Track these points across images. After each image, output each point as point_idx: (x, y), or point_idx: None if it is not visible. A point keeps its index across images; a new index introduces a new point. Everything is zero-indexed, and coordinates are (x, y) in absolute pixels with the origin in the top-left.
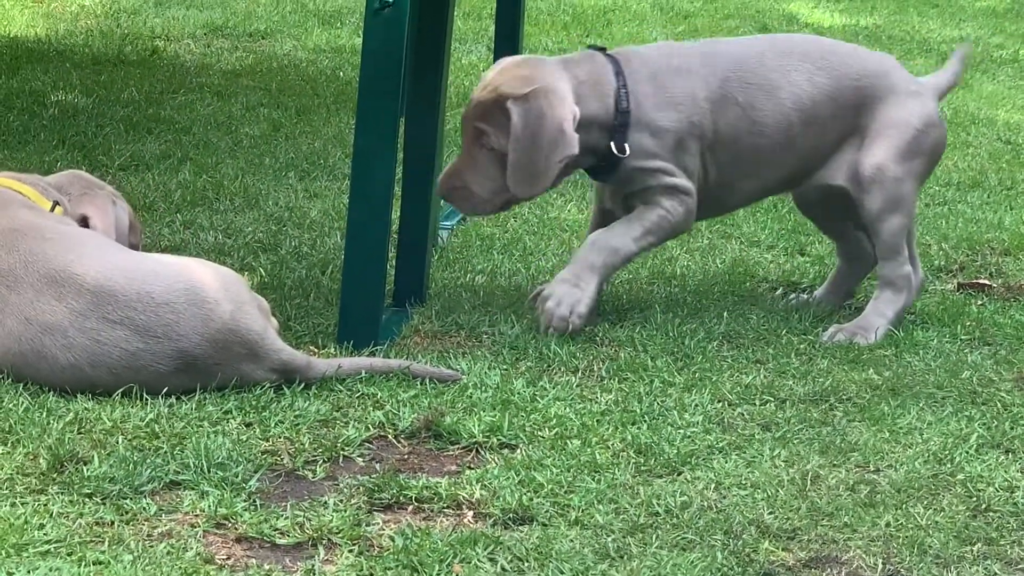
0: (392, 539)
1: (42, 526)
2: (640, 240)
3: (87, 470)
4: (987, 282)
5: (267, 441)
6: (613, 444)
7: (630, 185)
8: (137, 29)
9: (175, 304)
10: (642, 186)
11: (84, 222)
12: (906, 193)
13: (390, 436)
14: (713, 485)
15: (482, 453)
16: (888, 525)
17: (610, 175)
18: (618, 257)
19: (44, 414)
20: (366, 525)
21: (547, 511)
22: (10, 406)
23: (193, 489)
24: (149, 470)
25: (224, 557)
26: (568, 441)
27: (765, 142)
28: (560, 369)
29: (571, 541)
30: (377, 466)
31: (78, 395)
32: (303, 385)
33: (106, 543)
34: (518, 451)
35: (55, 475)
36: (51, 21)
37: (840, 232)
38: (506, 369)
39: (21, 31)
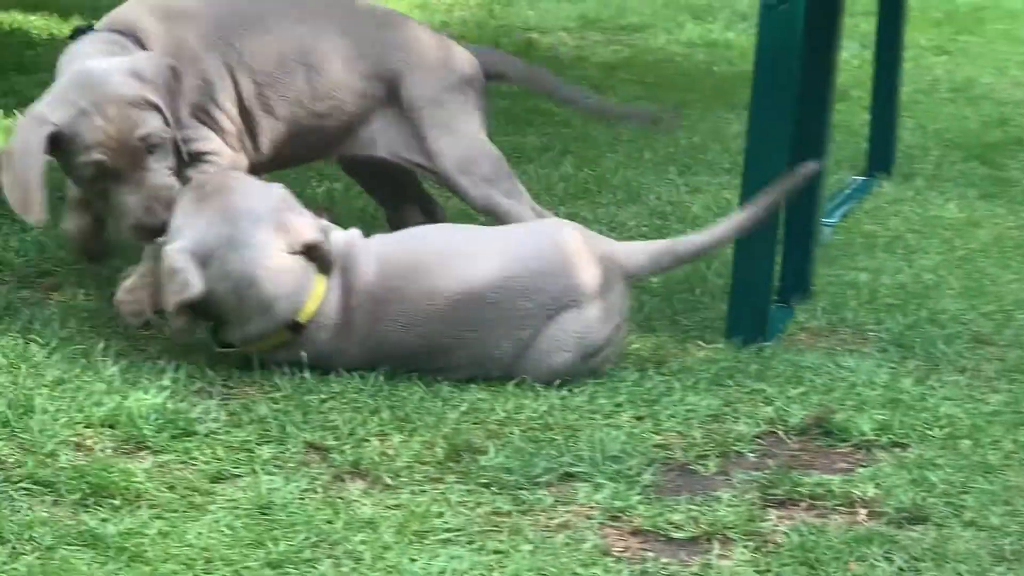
0: (787, 535)
1: (441, 514)
2: None
3: (483, 460)
4: None
5: (659, 435)
6: (1004, 445)
7: None
8: (511, 20)
9: None
10: None
11: None
12: None
13: (780, 432)
14: None
15: (873, 451)
16: None
17: None
18: None
19: (440, 403)
20: (760, 521)
21: (941, 511)
22: (405, 394)
23: (588, 481)
24: (544, 461)
25: (621, 549)
26: (959, 441)
27: None
28: (947, 368)
29: (967, 543)
30: (769, 462)
31: (471, 385)
32: (693, 380)
33: (504, 533)
34: (909, 450)
35: (452, 464)
36: (427, 12)
37: None
38: (893, 367)
39: None
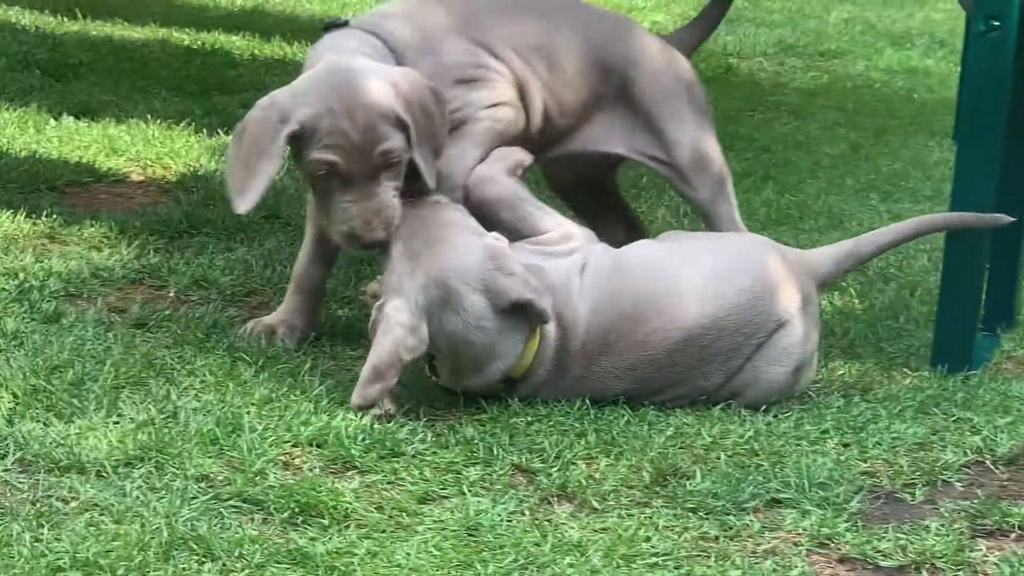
0: (997, 566)
1: (648, 538)
2: None
3: (690, 484)
4: None
5: (865, 462)
6: None
7: None
8: (709, 46)
9: None
10: None
11: None
12: None
13: (988, 462)
14: None
15: None
16: None
17: None
18: None
19: (645, 427)
20: (970, 551)
21: None
22: (611, 418)
23: (795, 508)
24: (751, 487)
25: None
26: None
27: None
28: None
29: None
30: (978, 492)
31: (676, 409)
32: (899, 407)
33: (712, 558)
34: None
35: (659, 488)
36: None
37: None
38: None
39: None
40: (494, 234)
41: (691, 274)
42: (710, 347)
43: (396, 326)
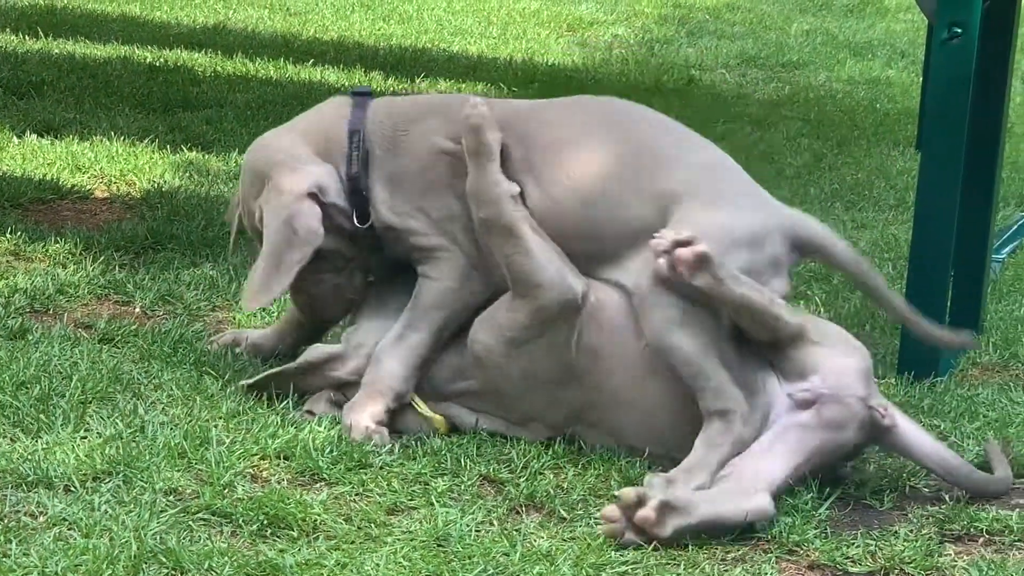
0: (966, 571)
1: (620, 549)
2: None
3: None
4: None
5: (833, 469)
6: None
7: None
8: (671, 59)
9: None
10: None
11: None
12: None
13: None
14: None
15: None
16: None
17: None
18: None
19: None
20: (939, 556)
21: None
22: None
23: None
24: None
25: None
26: None
27: None
28: None
29: None
30: (946, 497)
31: None
32: None
33: (681, 566)
34: None
35: None
36: (587, 50)
37: None
38: None
39: (558, 59)
40: None
41: None
42: None
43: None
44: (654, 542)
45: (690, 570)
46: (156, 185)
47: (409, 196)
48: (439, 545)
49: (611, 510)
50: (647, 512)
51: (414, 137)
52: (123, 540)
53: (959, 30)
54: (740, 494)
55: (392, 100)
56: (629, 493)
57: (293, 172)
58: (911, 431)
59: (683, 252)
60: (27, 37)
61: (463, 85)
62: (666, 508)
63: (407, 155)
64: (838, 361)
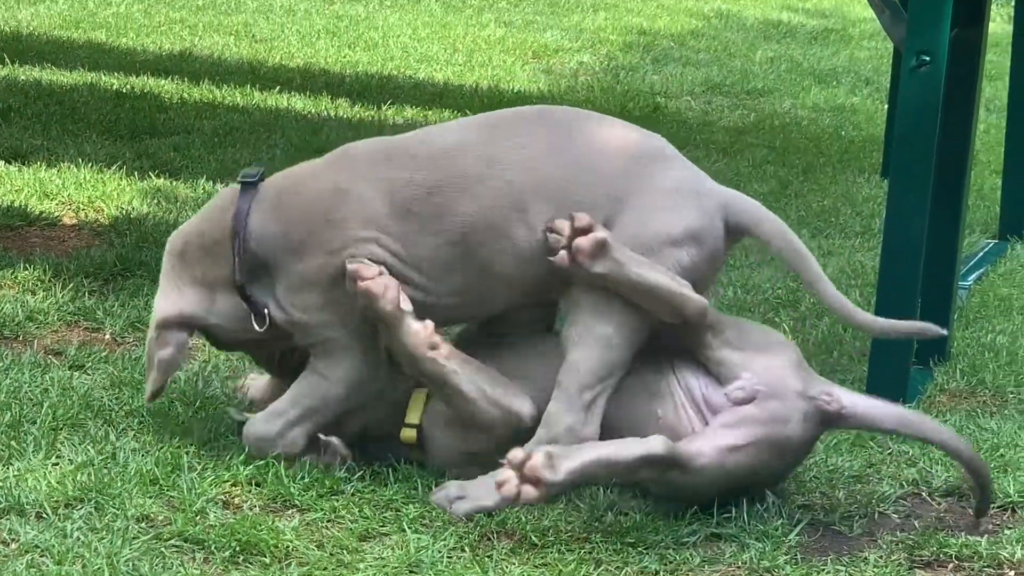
0: None
1: (589, 574)
2: None
3: (627, 520)
4: None
5: (803, 496)
6: None
7: None
8: (636, 86)
9: None
10: None
11: None
12: None
13: (924, 494)
14: None
15: (1019, 512)
16: None
17: None
18: None
19: None
20: None
21: None
22: None
23: (735, 541)
24: (693, 523)
25: None
26: None
27: None
28: None
29: None
30: (915, 523)
31: None
32: (835, 440)
33: None
34: None
35: (596, 523)
36: (552, 77)
37: None
38: None
39: (524, 86)
40: None
41: None
42: None
43: None
44: (554, 496)
45: None
46: (124, 212)
47: (300, 292)
48: (411, 572)
49: (502, 473)
50: (536, 459)
51: (305, 245)
52: (96, 567)
53: (927, 58)
54: (639, 443)
55: (280, 191)
56: (516, 452)
57: (165, 297)
58: (862, 405)
59: (581, 241)
60: None
61: (429, 112)
62: (552, 456)
63: (297, 259)
64: (767, 360)
